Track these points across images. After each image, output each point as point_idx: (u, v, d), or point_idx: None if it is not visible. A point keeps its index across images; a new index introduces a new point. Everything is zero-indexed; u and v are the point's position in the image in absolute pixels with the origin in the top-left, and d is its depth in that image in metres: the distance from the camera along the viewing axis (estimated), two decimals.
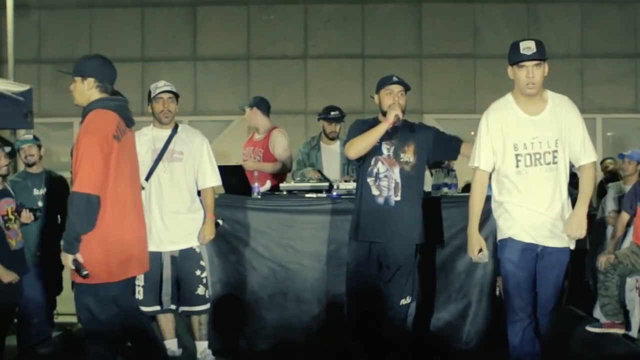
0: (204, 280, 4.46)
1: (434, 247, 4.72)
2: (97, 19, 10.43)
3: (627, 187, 5.96)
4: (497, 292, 5.18)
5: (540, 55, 3.62)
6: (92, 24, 10.41)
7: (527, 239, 3.75)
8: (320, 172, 5.49)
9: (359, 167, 4.31)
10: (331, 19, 10.38)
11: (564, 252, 3.82)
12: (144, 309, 4.39)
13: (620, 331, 5.33)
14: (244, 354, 4.76)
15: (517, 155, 3.72)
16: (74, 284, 3.70)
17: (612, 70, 10.20)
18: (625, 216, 5.58)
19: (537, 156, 3.69)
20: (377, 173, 4.16)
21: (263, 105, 5.84)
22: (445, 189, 4.91)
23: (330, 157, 5.95)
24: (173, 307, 4.50)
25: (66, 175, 5.49)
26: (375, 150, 4.17)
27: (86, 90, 3.59)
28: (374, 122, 4.24)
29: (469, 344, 4.75)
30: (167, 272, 4.38)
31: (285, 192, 5.05)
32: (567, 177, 3.77)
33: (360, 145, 4.13)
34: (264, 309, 4.81)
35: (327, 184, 5.02)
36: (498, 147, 3.76)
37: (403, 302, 4.18)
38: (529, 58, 3.60)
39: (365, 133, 4.14)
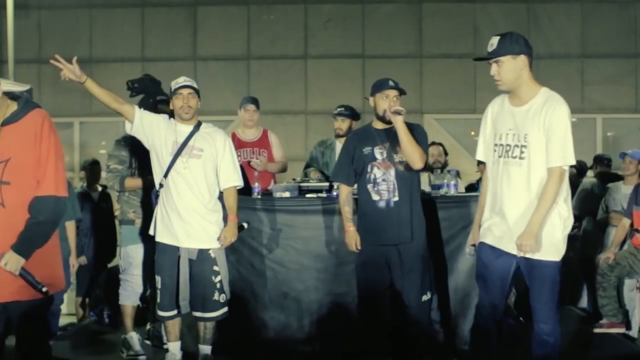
0: (219, 286, 4.31)
1: (433, 247, 4.72)
2: (97, 19, 10.43)
3: (627, 187, 5.92)
4: None
5: (497, 53, 3.45)
6: (92, 24, 10.42)
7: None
8: (322, 172, 5.49)
9: (356, 174, 4.34)
10: (331, 19, 10.38)
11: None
12: (161, 313, 4.33)
13: (620, 330, 5.35)
14: (244, 354, 4.75)
15: (495, 145, 3.62)
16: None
17: (612, 70, 10.20)
18: (626, 221, 5.58)
19: (508, 148, 3.53)
20: (375, 179, 4.21)
21: (259, 103, 5.86)
22: (445, 189, 4.90)
23: None
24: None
25: (69, 175, 5.48)
26: (369, 157, 4.23)
27: None
28: (368, 130, 4.32)
29: (469, 344, 4.74)
30: (184, 275, 4.27)
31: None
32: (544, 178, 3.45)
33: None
34: (264, 309, 4.81)
35: (327, 184, 5.02)
36: (488, 138, 3.69)
37: (425, 298, 4.24)
38: (488, 56, 3.50)
39: (345, 206, 4.34)
